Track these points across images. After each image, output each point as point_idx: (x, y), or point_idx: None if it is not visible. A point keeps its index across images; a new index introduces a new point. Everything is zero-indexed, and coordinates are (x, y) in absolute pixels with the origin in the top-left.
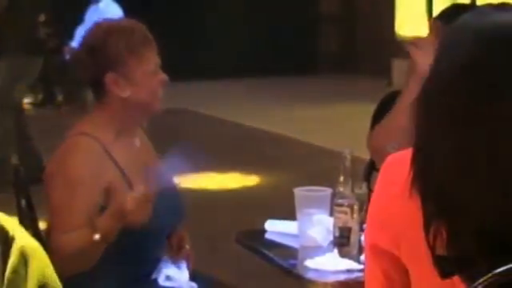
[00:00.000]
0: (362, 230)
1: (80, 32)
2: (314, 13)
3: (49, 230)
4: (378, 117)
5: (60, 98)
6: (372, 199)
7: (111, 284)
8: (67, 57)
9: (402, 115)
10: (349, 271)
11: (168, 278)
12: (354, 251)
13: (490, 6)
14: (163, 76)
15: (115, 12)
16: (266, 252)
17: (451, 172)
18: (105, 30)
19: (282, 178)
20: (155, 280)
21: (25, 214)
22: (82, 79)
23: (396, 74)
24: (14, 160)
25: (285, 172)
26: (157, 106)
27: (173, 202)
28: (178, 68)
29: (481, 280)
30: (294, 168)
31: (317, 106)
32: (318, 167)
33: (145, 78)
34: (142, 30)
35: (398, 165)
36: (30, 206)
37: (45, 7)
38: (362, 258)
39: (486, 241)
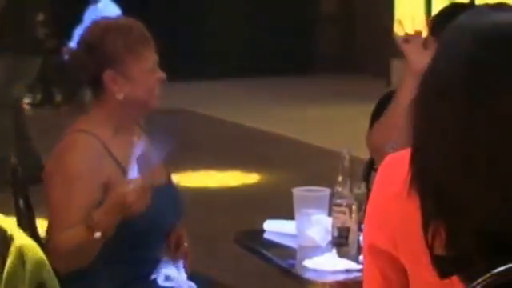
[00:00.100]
0: (360, 229)
1: (78, 32)
2: (313, 13)
3: (49, 228)
4: (376, 116)
5: (58, 98)
6: (370, 199)
7: (110, 284)
8: (66, 57)
9: (399, 113)
10: (347, 271)
11: (167, 278)
12: (353, 251)
13: (487, 5)
14: (161, 74)
15: (114, 12)
16: (265, 252)
17: (450, 172)
18: (103, 27)
19: (281, 178)
20: (154, 280)
21: (23, 213)
22: (80, 77)
23: (395, 74)
24: (13, 160)
25: (284, 172)
26: (154, 103)
27: (172, 201)
28: (176, 68)
29: (479, 280)
30: (293, 168)
31: (316, 106)
32: (316, 167)
33: (142, 75)
34: (140, 28)
35: (397, 165)
36: (28, 206)
37: (43, 7)
38: (361, 258)
39: (485, 241)
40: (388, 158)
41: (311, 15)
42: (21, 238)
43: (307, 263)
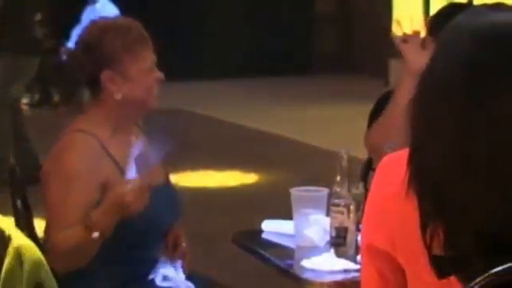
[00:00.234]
0: (358, 230)
1: (76, 32)
2: (311, 13)
3: (46, 228)
4: (374, 116)
5: (56, 98)
6: (368, 199)
7: (108, 284)
8: (64, 57)
9: (397, 113)
10: (345, 271)
11: (165, 278)
12: (351, 251)
13: (485, 6)
14: (159, 74)
15: (112, 12)
16: (263, 252)
17: (449, 172)
18: (101, 27)
19: (279, 178)
20: (152, 280)
21: (21, 214)
22: (78, 77)
23: (393, 74)
24: (11, 160)
25: (282, 172)
26: (152, 103)
27: (170, 201)
28: (175, 68)
29: (477, 280)
30: (292, 168)
31: (314, 106)
32: (315, 167)
33: (140, 75)
34: (138, 28)
35: (395, 165)
36: (26, 206)
37: (41, 7)
38: (359, 258)
39: (484, 241)
40: (386, 158)
41: (309, 15)
42: (19, 238)
43: (305, 263)
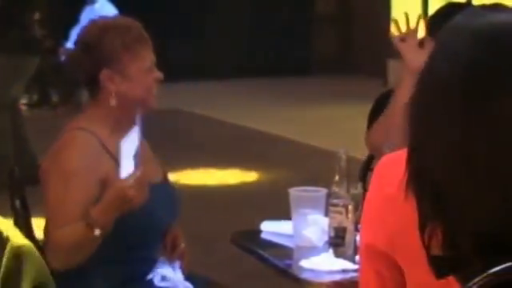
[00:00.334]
0: (357, 230)
1: (75, 33)
2: (310, 13)
3: (46, 225)
4: (374, 116)
5: (55, 98)
6: (366, 199)
7: (107, 284)
8: (62, 57)
9: (398, 112)
10: (344, 271)
11: (164, 278)
12: (349, 251)
13: (483, 6)
14: (158, 73)
15: (110, 12)
16: (262, 252)
17: (449, 172)
18: (100, 27)
19: (278, 178)
20: (151, 280)
21: (19, 214)
22: (78, 77)
23: (392, 74)
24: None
25: (282, 172)
26: (151, 103)
27: (168, 199)
28: (175, 68)
29: (475, 280)
30: (291, 168)
31: (313, 106)
32: (314, 167)
33: (140, 74)
34: (138, 27)
35: (393, 165)
36: (25, 207)
37: (40, 7)
38: (358, 258)
39: (483, 241)
40: (384, 159)
41: (308, 16)
42: (17, 239)
43: (304, 263)
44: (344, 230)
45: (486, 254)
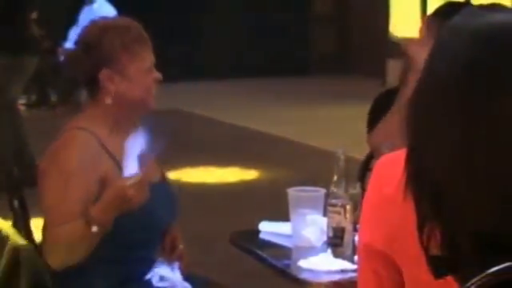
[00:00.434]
0: (355, 230)
1: (74, 33)
2: (308, 13)
3: (45, 223)
4: (373, 116)
5: (54, 98)
6: (365, 199)
7: (105, 283)
8: (61, 58)
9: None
10: (343, 271)
11: (162, 278)
12: (348, 251)
13: (482, 6)
14: (157, 74)
15: (109, 12)
16: (260, 252)
17: (448, 172)
18: (100, 27)
19: (277, 178)
20: (149, 280)
21: (18, 215)
22: (77, 76)
23: (390, 74)
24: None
25: (281, 172)
26: (151, 103)
27: (167, 198)
28: (174, 68)
29: (474, 280)
30: (290, 168)
31: (312, 106)
32: (313, 167)
33: (139, 75)
34: (138, 28)
35: (392, 165)
36: (24, 207)
37: (39, 7)
38: (356, 258)
39: (482, 241)
40: (383, 159)
41: (307, 16)
42: (16, 239)
43: (302, 263)
44: (342, 230)
45: (485, 253)
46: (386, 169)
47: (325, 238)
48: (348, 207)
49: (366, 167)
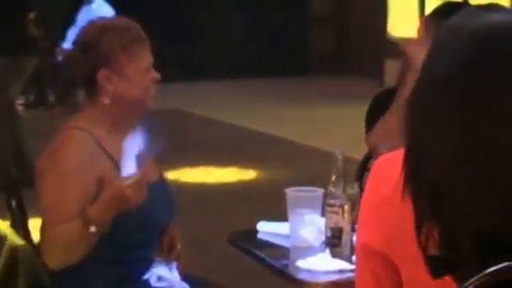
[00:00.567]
0: (353, 230)
1: (72, 33)
2: (307, 13)
3: (43, 223)
4: (371, 116)
5: (52, 98)
6: (363, 199)
7: (103, 283)
8: (59, 58)
9: (399, 114)
10: (341, 271)
11: (160, 278)
12: (346, 251)
13: (479, 6)
14: (156, 74)
15: (107, 13)
16: (258, 252)
17: (448, 172)
18: (99, 27)
19: (276, 178)
20: (147, 280)
21: (16, 215)
22: (75, 76)
23: (388, 75)
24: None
25: (280, 172)
26: (149, 103)
27: (165, 198)
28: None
29: (472, 280)
30: (289, 168)
31: (311, 106)
32: (312, 167)
33: (137, 75)
34: (136, 28)
35: (390, 165)
36: (21, 208)
37: (37, 7)
38: (354, 258)
39: (482, 241)
40: (381, 159)
41: (305, 16)
42: (13, 239)
43: (300, 263)
44: (340, 230)
45: (485, 253)
46: (383, 169)
47: (323, 238)
48: (346, 207)
49: (364, 167)
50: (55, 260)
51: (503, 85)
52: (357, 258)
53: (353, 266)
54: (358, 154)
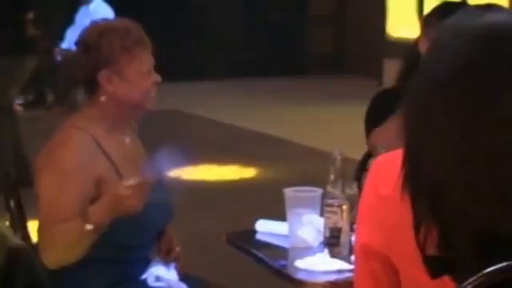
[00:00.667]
0: (352, 230)
1: (70, 33)
2: (306, 14)
3: (41, 222)
4: (370, 116)
5: (50, 98)
6: (362, 199)
7: (101, 283)
8: (58, 58)
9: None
10: (339, 271)
11: (158, 278)
12: (345, 251)
13: (477, 6)
14: (156, 77)
15: (106, 13)
16: (257, 252)
17: (448, 172)
18: (100, 29)
19: (275, 179)
20: (145, 280)
21: (14, 215)
22: (76, 77)
23: (387, 74)
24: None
25: (278, 172)
26: (149, 105)
27: (163, 201)
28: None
29: (470, 280)
30: (288, 168)
31: (310, 106)
32: (311, 168)
33: (138, 77)
34: (138, 30)
35: (388, 165)
36: (20, 208)
37: (35, 7)
38: (353, 258)
39: (481, 241)
40: (380, 158)
41: (305, 16)
42: (12, 239)
43: (299, 264)
44: (339, 230)
45: (484, 253)
46: (382, 169)
47: (321, 239)
48: (345, 207)
49: (362, 167)
50: (52, 259)
51: (503, 85)
52: (355, 258)
53: (351, 266)
54: (357, 154)
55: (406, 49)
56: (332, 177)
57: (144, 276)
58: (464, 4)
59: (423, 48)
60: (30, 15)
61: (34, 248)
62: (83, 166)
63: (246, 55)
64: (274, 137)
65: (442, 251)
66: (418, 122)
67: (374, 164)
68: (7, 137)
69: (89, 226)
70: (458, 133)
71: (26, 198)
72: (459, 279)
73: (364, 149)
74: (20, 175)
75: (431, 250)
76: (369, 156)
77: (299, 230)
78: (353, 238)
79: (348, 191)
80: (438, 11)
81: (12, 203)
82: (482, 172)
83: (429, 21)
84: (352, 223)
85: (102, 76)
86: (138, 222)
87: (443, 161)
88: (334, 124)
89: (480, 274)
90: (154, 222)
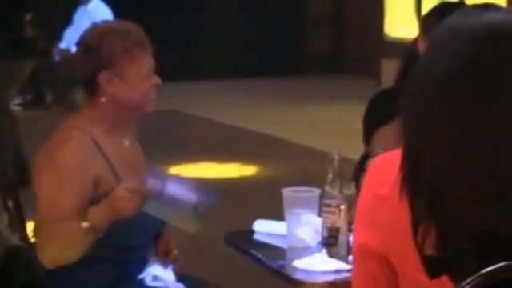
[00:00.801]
0: (350, 230)
1: (68, 33)
2: (304, 14)
3: (38, 222)
4: (369, 116)
5: (49, 99)
6: (360, 199)
7: (98, 283)
8: (56, 58)
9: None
10: (337, 271)
11: (155, 278)
12: (343, 251)
13: (476, 6)
14: (156, 79)
15: (104, 13)
16: (255, 253)
17: (447, 173)
18: (101, 30)
19: (274, 178)
20: (142, 280)
21: (13, 215)
22: (76, 78)
23: (385, 75)
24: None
25: (277, 172)
26: (148, 107)
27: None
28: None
29: (468, 280)
30: (286, 168)
31: (308, 106)
32: (309, 168)
33: (138, 79)
34: (139, 32)
35: (387, 165)
36: (18, 208)
37: (34, 8)
38: (351, 258)
39: (480, 241)
40: (378, 158)
41: (303, 16)
42: (10, 239)
43: (297, 264)
44: (337, 230)
45: (483, 253)
46: (380, 169)
47: (319, 238)
48: (342, 207)
49: (360, 167)
50: (50, 258)
51: (503, 85)
52: (353, 258)
53: (349, 266)
54: (355, 154)
55: (404, 49)
56: (330, 177)
57: (141, 275)
58: (462, 4)
59: (422, 48)
60: (28, 16)
61: (32, 248)
62: (82, 166)
63: (245, 55)
64: (272, 137)
65: (441, 251)
66: (417, 122)
67: (372, 164)
68: (6, 137)
69: (85, 224)
70: (458, 133)
71: (25, 199)
72: (458, 279)
73: (362, 149)
74: (19, 175)
75: (429, 250)
76: (367, 156)
77: (297, 230)
78: (351, 238)
79: (346, 191)
80: (437, 11)
81: (10, 203)
82: (481, 172)
83: (427, 21)
84: (350, 223)
85: (103, 77)
86: (136, 223)
87: (442, 161)
88: (332, 124)
89: (478, 274)
90: (151, 223)
